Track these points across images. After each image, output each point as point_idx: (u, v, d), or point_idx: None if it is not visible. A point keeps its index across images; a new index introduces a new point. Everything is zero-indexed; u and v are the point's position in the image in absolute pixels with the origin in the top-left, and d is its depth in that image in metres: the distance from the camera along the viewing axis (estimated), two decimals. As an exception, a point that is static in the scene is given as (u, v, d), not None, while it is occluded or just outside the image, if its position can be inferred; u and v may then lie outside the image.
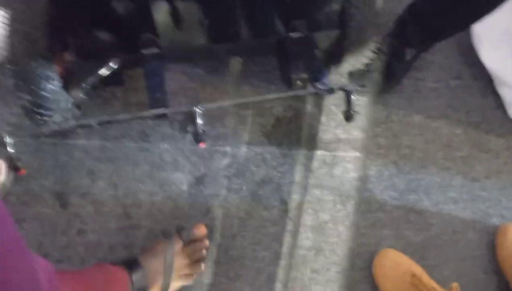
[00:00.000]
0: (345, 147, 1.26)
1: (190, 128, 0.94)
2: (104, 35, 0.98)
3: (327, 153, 1.25)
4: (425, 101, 1.32)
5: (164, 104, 0.92)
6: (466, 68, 1.35)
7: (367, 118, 1.30)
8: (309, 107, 1.29)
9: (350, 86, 0.97)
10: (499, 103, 1.32)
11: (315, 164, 1.24)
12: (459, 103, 1.32)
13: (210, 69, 1.30)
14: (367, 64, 1.20)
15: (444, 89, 1.33)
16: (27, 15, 0.96)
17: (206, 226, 1.13)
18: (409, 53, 1.24)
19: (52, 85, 0.99)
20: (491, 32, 1.27)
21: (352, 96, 0.97)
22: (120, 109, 1.23)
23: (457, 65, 1.35)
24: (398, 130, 1.29)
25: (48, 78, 0.98)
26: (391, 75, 1.27)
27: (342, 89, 0.97)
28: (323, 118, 1.28)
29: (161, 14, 0.96)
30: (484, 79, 1.34)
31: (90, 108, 1.22)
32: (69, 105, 1.00)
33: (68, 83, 1.08)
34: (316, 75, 1.01)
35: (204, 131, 0.94)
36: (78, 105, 0.96)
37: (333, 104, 1.28)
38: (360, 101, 1.31)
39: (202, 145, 0.97)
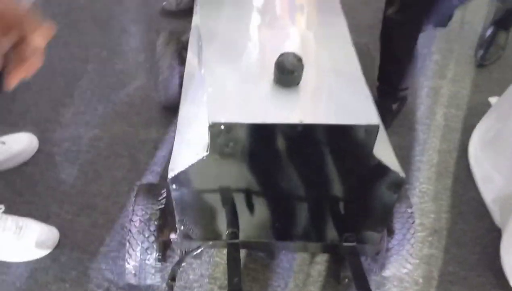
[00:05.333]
0: None
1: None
2: (202, 224, 1.26)
3: None
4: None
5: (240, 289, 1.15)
6: (499, 293, 1.48)
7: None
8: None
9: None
10: None
11: None
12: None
13: (272, 256, 1.54)
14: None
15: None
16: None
17: None
18: None
19: (152, 258, 1.26)
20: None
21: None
22: (195, 279, 1.46)
23: (489, 285, 1.50)
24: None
25: (151, 252, 1.25)
26: None
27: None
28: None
29: (244, 214, 1.24)
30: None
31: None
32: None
33: (164, 256, 1.34)
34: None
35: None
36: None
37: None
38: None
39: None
